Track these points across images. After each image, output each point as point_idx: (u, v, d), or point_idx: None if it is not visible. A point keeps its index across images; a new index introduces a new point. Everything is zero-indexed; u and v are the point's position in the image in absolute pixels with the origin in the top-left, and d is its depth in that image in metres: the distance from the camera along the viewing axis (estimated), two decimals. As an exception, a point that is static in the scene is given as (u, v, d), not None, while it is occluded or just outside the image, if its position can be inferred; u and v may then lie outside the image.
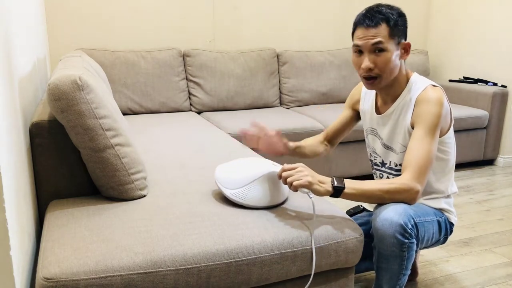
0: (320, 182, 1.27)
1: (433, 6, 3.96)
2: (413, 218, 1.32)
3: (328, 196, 1.28)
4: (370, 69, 1.40)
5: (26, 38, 1.68)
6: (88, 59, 2.21)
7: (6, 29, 1.20)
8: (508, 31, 3.34)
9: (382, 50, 1.38)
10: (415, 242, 1.34)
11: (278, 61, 3.37)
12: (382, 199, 1.34)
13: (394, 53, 1.40)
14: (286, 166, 1.29)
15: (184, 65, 3.12)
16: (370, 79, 1.42)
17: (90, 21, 3.01)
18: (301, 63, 3.38)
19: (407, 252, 1.32)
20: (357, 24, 1.42)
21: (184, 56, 3.13)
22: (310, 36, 3.64)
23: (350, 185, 1.29)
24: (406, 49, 1.43)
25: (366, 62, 1.39)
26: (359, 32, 1.40)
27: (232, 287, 1.17)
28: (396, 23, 1.39)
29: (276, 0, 3.46)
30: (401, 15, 1.41)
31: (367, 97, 1.63)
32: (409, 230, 1.30)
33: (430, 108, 1.38)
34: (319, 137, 1.77)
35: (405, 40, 1.44)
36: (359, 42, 1.40)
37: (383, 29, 1.37)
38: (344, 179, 1.30)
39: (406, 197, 1.33)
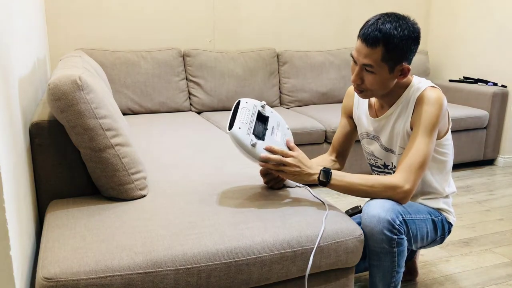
0: (308, 175, 1.35)
1: (433, 6, 3.96)
2: (401, 215, 1.33)
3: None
4: (357, 84, 1.40)
5: (26, 38, 1.68)
6: (88, 59, 2.21)
7: (6, 29, 1.20)
8: (508, 31, 3.34)
9: (370, 72, 1.35)
10: (405, 238, 1.34)
11: (278, 61, 3.37)
12: (367, 194, 1.35)
13: (384, 76, 1.36)
14: (283, 159, 1.34)
15: (184, 65, 3.12)
16: (359, 90, 1.42)
17: (90, 21, 3.01)
18: (301, 63, 3.38)
19: (397, 247, 1.32)
20: (359, 33, 1.37)
21: (184, 56, 3.13)
22: (310, 36, 3.64)
23: (337, 178, 1.35)
24: (404, 72, 1.38)
25: (354, 76, 1.39)
26: (357, 43, 1.37)
27: (232, 287, 1.17)
28: (396, 46, 1.31)
29: (276, 0, 3.46)
30: (407, 38, 1.31)
31: (360, 102, 1.62)
32: (397, 226, 1.30)
33: (429, 108, 1.37)
34: (325, 155, 1.72)
35: (408, 63, 1.37)
36: (353, 54, 1.38)
37: (378, 51, 1.31)
38: (332, 171, 1.36)
39: (392, 194, 1.34)
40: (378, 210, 1.30)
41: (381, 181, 1.34)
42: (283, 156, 1.35)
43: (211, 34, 3.34)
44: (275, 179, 1.52)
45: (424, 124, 1.37)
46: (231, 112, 1.40)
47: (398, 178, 1.33)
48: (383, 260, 1.34)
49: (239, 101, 1.42)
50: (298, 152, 1.38)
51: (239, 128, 1.35)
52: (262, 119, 1.43)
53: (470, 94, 3.44)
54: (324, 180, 1.35)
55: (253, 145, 1.35)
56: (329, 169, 1.36)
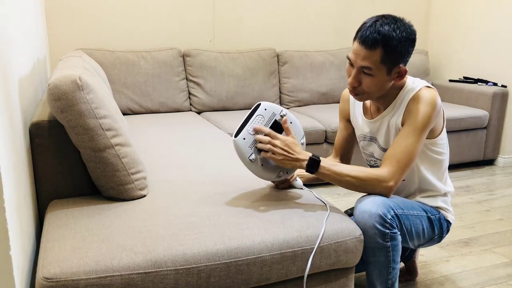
0: (296, 160, 1.34)
1: (433, 6, 3.97)
2: (393, 209, 1.34)
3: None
4: (354, 86, 1.39)
5: (26, 38, 1.68)
6: (88, 59, 2.21)
7: (6, 29, 1.20)
8: (508, 31, 3.34)
9: (368, 74, 1.35)
10: (398, 233, 1.35)
11: (278, 61, 3.37)
12: (352, 185, 1.35)
13: (382, 78, 1.36)
14: (266, 139, 1.35)
15: (184, 65, 3.13)
16: (355, 93, 1.42)
17: (90, 21, 3.01)
18: (301, 63, 3.38)
19: (391, 242, 1.33)
20: (356, 35, 1.36)
21: (184, 56, 3.13)
22: (310, 36, 3.64)
23: (326, 166, 1.35)
24: (400, 74, 1.38)
25: (351, 79, 1.38)
26: (355, 45, 1.36)
27: (232, 287, 1.17)
28: (394, 48, 1.31)
29: (276, 0, 3.46)
30: (405, 40, 1.32)
31: (356, 105, 1.62)
32: (389, 220, 1.31)
33: (422, 107, 1.37)
34: (330, 157, 1.72)
35: (404, 64, 1.37)
36: (350, 56, 1.38)
37: (376, 53, 1.31)
38: (321, 159, 1.36)
39: (376, 188, 1.35)
40: (369, 205, 1.32)
41: (368, 172, 1.35)
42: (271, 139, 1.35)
43: (211, 34, 3.34)
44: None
45: (417, 123, 1.37)
46: (248, 113, 1.39)
47: (385, 172, 1.34)
48: (378, 256, 1.35)
49: (259, 104, 1.39)
50: (289, 137, 1.37)
51: (244, 138, 1.34)
52: (277, 129, 1.40)
53: (470, 94, 3.44)
54: (312, 168, 1.34)
55: (251, 161, 1.35)
56: (319, 157, 1.36)
